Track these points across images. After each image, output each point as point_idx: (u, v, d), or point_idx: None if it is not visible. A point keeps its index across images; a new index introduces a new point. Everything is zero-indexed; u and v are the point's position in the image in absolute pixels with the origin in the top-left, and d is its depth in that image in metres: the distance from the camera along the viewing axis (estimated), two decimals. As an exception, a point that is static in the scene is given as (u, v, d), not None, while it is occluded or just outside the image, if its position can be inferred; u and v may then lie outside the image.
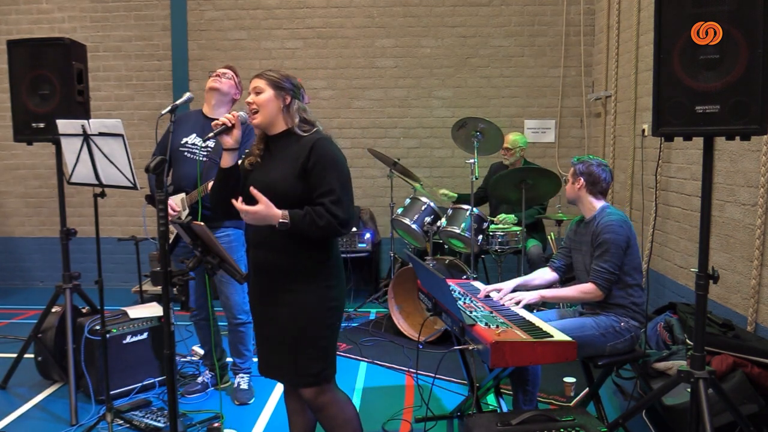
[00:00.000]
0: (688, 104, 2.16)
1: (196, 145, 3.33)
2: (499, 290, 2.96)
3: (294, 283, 2.24)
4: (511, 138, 4.88)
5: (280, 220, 2.13)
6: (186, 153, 3.33)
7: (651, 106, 2.26)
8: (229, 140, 2.27)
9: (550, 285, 3.11)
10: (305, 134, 2.27)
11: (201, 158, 3.29)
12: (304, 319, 2.23)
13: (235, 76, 3.44)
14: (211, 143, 3.33)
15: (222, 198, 2.33)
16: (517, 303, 2.80)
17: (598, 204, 2.96)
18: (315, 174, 2.18)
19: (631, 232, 2.83)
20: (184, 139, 3.34)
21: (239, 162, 2.35)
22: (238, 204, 2.17)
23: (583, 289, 2.83)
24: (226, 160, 2.29)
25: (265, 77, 2.27)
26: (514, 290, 2.97)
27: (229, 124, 2.26)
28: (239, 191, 2.31)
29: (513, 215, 4.69)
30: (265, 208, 2.13)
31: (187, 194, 3.31)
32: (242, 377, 3.56)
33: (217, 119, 3.36)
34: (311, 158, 2.18)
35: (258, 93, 2.26)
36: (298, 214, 2.15)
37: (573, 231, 3.11)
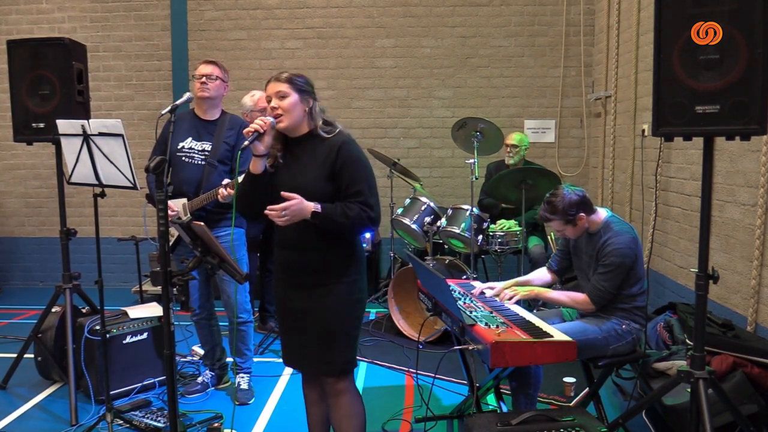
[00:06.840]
0: (688, 104, 2.16)
1: (193, 149, 3.33)
2: (492, 288, 2.97)
3: (324, 279, 2.33)
4: (517, 136, 4.85)
5: (313, 210, 2.20)
6: (184, 158, 3.33)
7: (651, 106, 2.26)
8: (260, 147, 2.27)
9: (548, 286, 3.10)
10: (329, 136, 2.31)
11: (199, 162, 3.31)
12: (335, 311, 2.32)
13: (220, 71, 3.37)
14: (207, 146, 3.33)
15: (250, 203, 2.37)
16: (510, 298, 2.82)
17: (600, 216, 2.83)
18: (343, 175, 2.26)
19: (638, 247, 2.76)
20: (180, 144, 3.33)
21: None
22: (271, 209, 2.18)
23: (576, 298, 2.85)
24: (256, 166, 2.30)
25: (287, 81, 2.27)
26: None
27: (261, 131, 2.24)
28: (267, 196, 2.32)
29: (514, 221, 4.69)
30: (299, 202, 2.18)
31: (189, 200, 3.31)
32: (242, 377, 3.55)
33: (208, 118, 3.39)
34: (339, 160, 2.25)
35: (282, 97, 2.26)
36: (329, 204, 2.24)
37: None
